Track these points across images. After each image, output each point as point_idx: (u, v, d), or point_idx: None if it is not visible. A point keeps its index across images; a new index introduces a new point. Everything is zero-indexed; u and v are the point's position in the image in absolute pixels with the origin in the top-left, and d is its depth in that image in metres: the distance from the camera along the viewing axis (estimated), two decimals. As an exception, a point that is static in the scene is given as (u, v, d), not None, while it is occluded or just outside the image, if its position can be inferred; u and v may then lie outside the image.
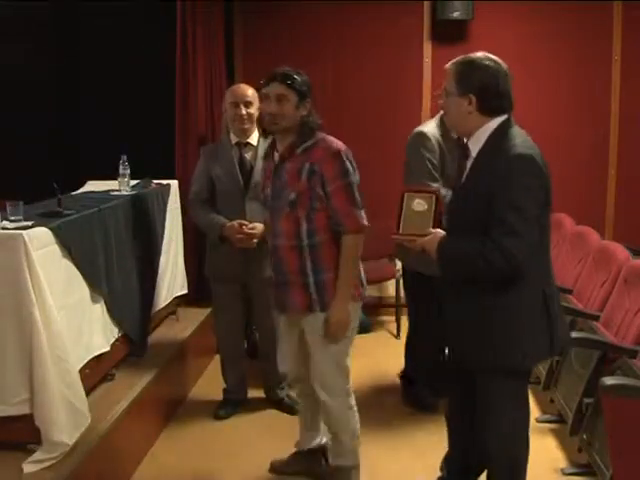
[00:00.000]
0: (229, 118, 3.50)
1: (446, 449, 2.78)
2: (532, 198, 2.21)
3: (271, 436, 3.46)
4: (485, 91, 2.29)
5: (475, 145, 2.35)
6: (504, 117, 2.33)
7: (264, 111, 2.73)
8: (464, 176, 2.40)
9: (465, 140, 2.41)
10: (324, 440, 3.09)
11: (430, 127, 3.40)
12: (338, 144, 2.71)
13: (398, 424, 3.55)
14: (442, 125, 3.33)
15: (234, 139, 3.52)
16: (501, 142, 2.29)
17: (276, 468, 3.13)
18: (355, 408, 2.87)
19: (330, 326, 2.69)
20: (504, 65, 2.33)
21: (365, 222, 2.70)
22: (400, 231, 2.45)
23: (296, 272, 2.72)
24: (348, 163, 2.67)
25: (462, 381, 2.54)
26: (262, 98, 2.75)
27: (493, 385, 2.38)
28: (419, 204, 2.41)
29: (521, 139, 2.29)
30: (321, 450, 3.10)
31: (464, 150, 2.41)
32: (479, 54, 2.35)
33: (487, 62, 2.31)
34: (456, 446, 2.72)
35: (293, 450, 3.13)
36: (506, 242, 2.18)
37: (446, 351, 2.67)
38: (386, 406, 3.77)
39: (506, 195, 2.20)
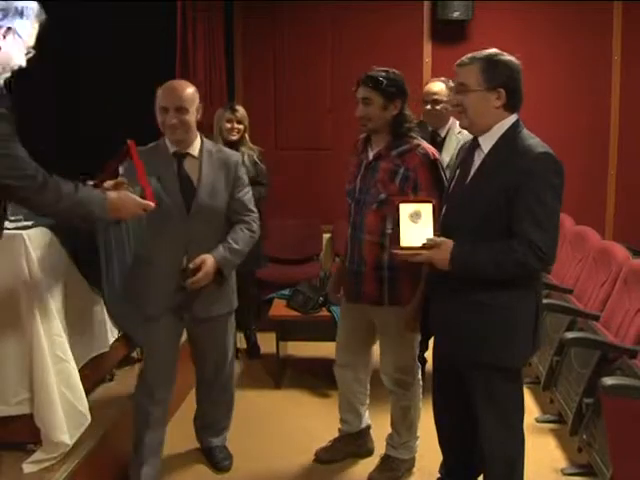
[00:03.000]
0: (159, 124, 2.80)
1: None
2: (557, 196, 2.23)
3: (268, 440, 3.47)
4: (513, 86, 2.29)
5: (487, 141, 2.32)
6: (516, 116, 2.33)
7: (356, 114, 2.80)
8: (470, 174, 2.36)
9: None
10: (368, 422, 3.25)
11: None
12: (434, 152, 2.79)
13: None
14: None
15: (171, 147, 2.82)
16: (515, 140, 2.28)
17: (321, 457, 3.22)
18: (419, 404, 3.03)
19: (409, 321, 2.78)
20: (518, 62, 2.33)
21: None
22: (401, 245, 2.31)
23: (373, 266, 2.82)
24: (442, 171, 2.77)
25: (452, 381, 2.53)
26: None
27: (490, 384, 2.37)
28: (416, 214, 2.31)
29: (536, 139, 2.29)
30: (366, 432, 3.25)
31: (471, 148, 2.39)
32: (494, 50, 2.33)
33: (509, 57, 2.31)
34: (450, 450, 2.71)
35: (335, 435, 3.26)
36: (536, 239, 2.18)
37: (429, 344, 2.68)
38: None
39: (533, 193, 2.19)
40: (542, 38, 5.30)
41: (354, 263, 2.89)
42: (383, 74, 2.76)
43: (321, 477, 3.12)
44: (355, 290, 2.91)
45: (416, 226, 2.29)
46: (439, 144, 3.77)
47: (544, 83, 5.27)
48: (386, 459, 3.09)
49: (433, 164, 2.75)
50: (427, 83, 3.90)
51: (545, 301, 3.46)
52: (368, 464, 3.15)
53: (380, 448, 3.17)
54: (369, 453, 3.24)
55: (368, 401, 3.23)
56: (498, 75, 2.27)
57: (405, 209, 2.32)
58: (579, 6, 5.20)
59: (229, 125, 4.21)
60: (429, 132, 3.81)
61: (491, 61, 2.28)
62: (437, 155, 2.80)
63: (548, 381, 3.53)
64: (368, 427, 3.26)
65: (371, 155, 2.85)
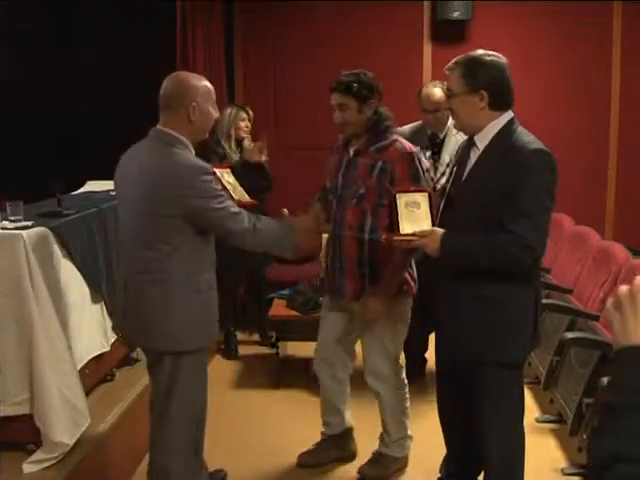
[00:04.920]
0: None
1: (445, 450, 2.77)
2: (550, 193, 2.26)
3: (267, 440, 3.47)
4: (496, 86, 2.31)
5: (483, 140, 2.35)
6: (510, 113, 2.35)
7: (334, 120, 2.85)
8: (466, 172, 2.39)
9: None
10: (350, 424, 3.20)
11: (403, 128, 3.71)
12: (411, 146, 2.84)
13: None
14: (416, 130, 3.76)
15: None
16: (511, 138, 2.31)
17: (305, 462, 3.17)
18: (407, 402, 3.03)
19: (366, 313, 2.82)
20: (504, 59, 2.36)
21: None
22: (401, 232, 2.37)
23: (354, 262, 2.85)
24: (419, 165, 2.79)
25: (453, 379, 2.54)
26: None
27: (492, 381, 2.38)
28: (413, 204, 2.36)
29: (532, 137, 2.32)
30: (349, 434, 3.21)
31: (468, 146, 2.41)
32: (479, 51, 2.36)
33: (491, 57, 2.34)
34: (453, 446, 2.71)
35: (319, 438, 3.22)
36: (528, 235, 2.20)
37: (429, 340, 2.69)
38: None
39: (527, 189, 2.21)
40: (542, 38, 5.30)
41: (335, 260, 2.91)
42: (353, 78, 2.80)
43: (320, 477, 3.11)
44: (337, 287, 2.93)
45: (413, 215, 2.34)
46: (438, 145, 3.76)
47: (544, 83, 5.27)
48: (378, 455, 3.09)
49: (410, 157, 2.78)
50: (423, 88, 3.82)
51: (545, 301, 3.46)
52: (354, 466, 3.12)
53: (366, 451, 3.14)
54: (352, 457, 3.19)
55: (348, 401, 3.17)
56: (479, 77, 2.30)
57: (402, 198, 2.36)
58: (579, 6, 5.20)
59: (243, 124, 4.45)
60: (427, 135, 3.80)
61: (471, 65, 2.32)
62: (414, 149, 2.83)
63: (548, 381, 3.53)
64: (351, 428, 3.21)
65: (352, 152, 2.89)
